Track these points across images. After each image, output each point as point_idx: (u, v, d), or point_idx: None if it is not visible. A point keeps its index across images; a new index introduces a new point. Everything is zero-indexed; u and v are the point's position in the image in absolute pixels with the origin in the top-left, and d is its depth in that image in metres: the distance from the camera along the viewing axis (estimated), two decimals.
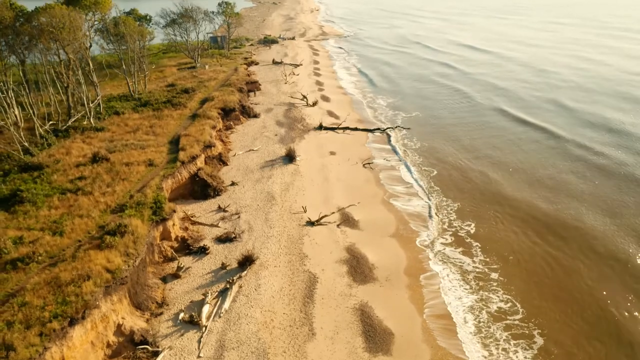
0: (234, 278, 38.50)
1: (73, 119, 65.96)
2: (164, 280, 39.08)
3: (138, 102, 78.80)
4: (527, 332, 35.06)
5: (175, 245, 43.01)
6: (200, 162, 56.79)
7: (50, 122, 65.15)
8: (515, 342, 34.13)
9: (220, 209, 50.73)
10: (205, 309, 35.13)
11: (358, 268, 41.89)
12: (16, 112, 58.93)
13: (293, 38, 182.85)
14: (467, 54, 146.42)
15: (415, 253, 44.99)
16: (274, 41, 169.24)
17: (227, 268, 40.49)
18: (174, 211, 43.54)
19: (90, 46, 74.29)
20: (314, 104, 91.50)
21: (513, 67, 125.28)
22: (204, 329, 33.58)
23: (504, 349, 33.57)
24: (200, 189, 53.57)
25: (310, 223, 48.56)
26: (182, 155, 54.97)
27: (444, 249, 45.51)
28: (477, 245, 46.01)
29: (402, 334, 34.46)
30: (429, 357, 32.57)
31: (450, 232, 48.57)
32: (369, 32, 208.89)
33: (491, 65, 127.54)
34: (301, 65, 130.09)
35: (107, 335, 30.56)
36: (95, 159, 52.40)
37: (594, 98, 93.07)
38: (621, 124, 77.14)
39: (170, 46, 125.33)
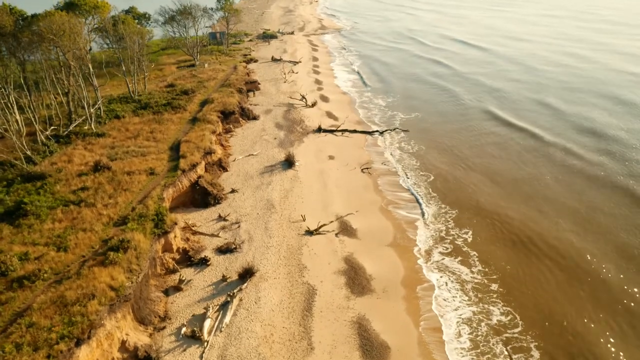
0: (235, 291, 39.40)
1: (74, 124, 66.49)
2: (166, 293, 39.99)
3: (138, 105, 79.33)
4: (525, 345, 36.00)
5: (177, 256, 43.87)
6: (200, 169, 57.52)
7: (52, 127, 65.75)
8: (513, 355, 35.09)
9: (220, 217, 51.54)
10: (207, 324, 36.05)
11: (356, 279, 42.79)
12: (17, 117, 59.52)
13: (292, 33, 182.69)
14: (461, 51, 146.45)
15: (412, 263, 45.89)
16: (272, 36, 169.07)
17: (228, 280, 41.39)
18: (175, 223, 44.34)
19: (90, 50, 74.58)
20: (313, 104, 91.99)
21: (507, 66, 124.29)
22: (205, 344, 34.53)
23: None
24: (200, 197, 54.34)
25: (309, 232, 49.40)
26: (182, 163, 55.68)
27: (441, 259, 46.40)
28: (474, 255, 46.86)
29: (399, 348, 35.43)
30: None
31: (448, 241, 49.46)
32: (366, 25, 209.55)
33: (485, 64, 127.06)
34: (300, 62, 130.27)
35: (111, 352, 31.49)
36: (97, 167, 53.12)
37: (592, 100, 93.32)
38: (621, 131, 77.53)
39: (169, 42, 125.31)
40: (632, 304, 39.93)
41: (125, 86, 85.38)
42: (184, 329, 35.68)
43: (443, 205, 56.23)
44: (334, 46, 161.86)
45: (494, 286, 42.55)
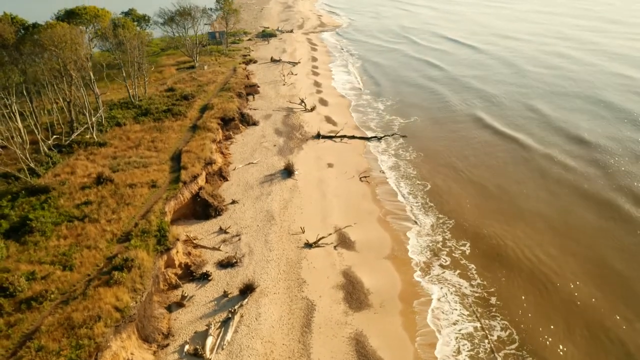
0: (236, 307, 40.48)
1: (76, 133, 67.31)
2: (169, 309, 41.07)
3: (139, 111, 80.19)
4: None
5: (179, 272, 44.94)
6: (201, 180, 58.49)
7: (54, 136, 66.60)
8: None
9: (221, 230, 52.57)
10: (209, 341, 37.16)
11: (354, 294, 43.88)
12: (20, 126, 60.31)
13: (291, 31, 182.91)
14: (454, 51, 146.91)
15: (409, 276, 46.94)
16: (272, 35, 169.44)
17: (229, 296, 42.48)
18: (178, 239, 45.36)
19: (91, 57, 75.18)
20: (312, 109, 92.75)
21: (500, 68, 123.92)
22: None
23: None
24: (202, 209, 55.33)
25: (308, 245, 50.44)
26: (183, 175, 56.65)
27: (438, 272, 47.41)
28: (472, 268, 47.89)
29: None
30: None
31: (445, 252, 50.46)
32: (363, 22, 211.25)
33: (478, 66, 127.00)
34: (299, 63, 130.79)
35: None
36: (100, 180, 54.05)
37: (588, 108, 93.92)
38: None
39: (169, 42, 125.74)
40: (623, 325, 41.07)
41: (126, 90, 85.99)
42: (186, 347, 36.79)
43: (440, 216, 57.22)
44: (333, 45, 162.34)
45: (493, 300, 43.65)
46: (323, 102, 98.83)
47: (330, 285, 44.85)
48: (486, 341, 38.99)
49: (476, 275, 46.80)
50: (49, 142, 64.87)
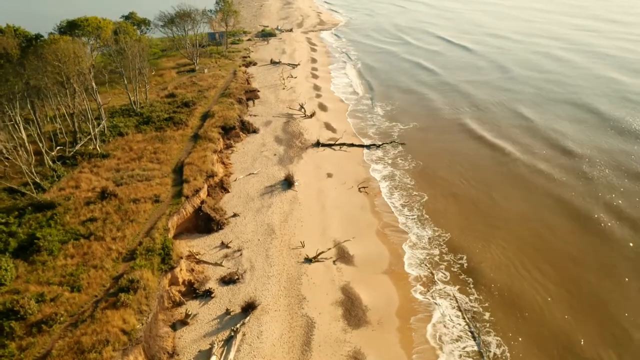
0: (238, 326, 41.84)
1: (79, 144, 68.32)
2: (174, 327, 42.43)
3: (140, 119, 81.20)
4: None
5: (183, 289, 46.26)
6: (203, 193, 59.68)
7: (58, 147, 67.57)
8: None
9: (223, 245, 53.85)
10: None
11: (352, 310, 45.26)
12: (24, 136, 61.27)
13: (291, 30, 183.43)
14: (447, 52, 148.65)
15: (407, 292, 48.31)
16: (271, 35, 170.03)
17: (232, 314, 43.84)
18: (181, 257, 46.64)
19: (94, 67, 76.04)
20: (312, 115, 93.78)
21: (492, 73, 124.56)
22: None
23: None
24: (204, 223, 56.57)
25: (308, 260, 51.77)
26: (186, 189, 57.84)
27: (435, 288, 48.74)
28: (470, 281, 49.25)
29: None
30: None
31: (443, 266, 51.78)
32: (359, 20, 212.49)
33: (472, 70, 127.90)
34: (299, 65, 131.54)
35: None
36: (104, 195, 55.29)
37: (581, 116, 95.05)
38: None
39: (169, 42, 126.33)
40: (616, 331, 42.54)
41: (127, 95, 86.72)
42: None
43: (437, 228, 58.49)
44: (332, 45, 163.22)
45: (487, 315, 45.06)
46: (322, 108, 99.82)
47: (329, 302, 46.20)
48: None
49: (473, 289, 48.11)
50: (53, 153, 65.90)
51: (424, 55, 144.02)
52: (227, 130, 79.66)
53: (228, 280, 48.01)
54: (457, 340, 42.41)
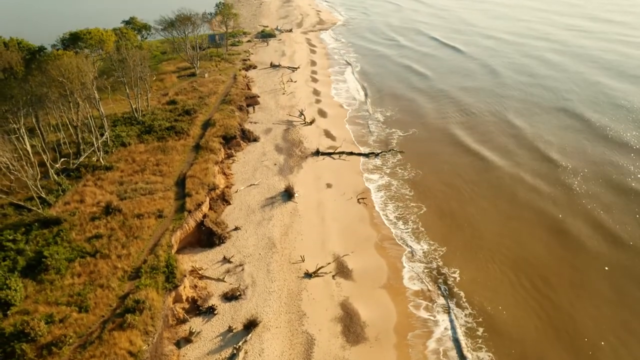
0: (240, 344, 43.27)
1: (83, 156, 69.48)
2: (178, 345, 43.83)
3: (142, 127, 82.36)
4: None
5: (186, 306, 47.67)
6: (205, 207, 61.00)
7: (62, 159, 68.76)
8: None
9: (225, 259, 55.22)
10: None
11: (351, 327, 46.70)
12: (28, 147, 62.54)
13: (290, 30, 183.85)
14: (441, 55, 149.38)
15: (404, 307, 49.74)
16: (271, 35, 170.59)
17: (234, 331, 45.25)
18: (185, 276, 48.01)
19: (96, 78, 76.92)
20: (312, 122, 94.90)
21: (485, 78, 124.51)
22: None
23: None
24: (206, 237, 57.93)
25: (308, 275, 53.17)
26: (188, 203, 59.16)
27: (430, 302, 50.16)
28: (462, 296, 50.64)
29: None
30: None
31: (439, 281, 53.13)
32: (359, 19, 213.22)
33: (465, 75, 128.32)
34: (299, 68, 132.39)
35: None
36: (109, 210, 56.65)
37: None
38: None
39: (170, 43, 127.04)
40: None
41: (128, 102, 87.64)
42: None
43: (432, 242, 59.78)
44: (331, 46, 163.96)
45: (480, 330, 46.52)
46: (322, 114, 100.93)
47: (328, 318, 47.63)
48: None
49: (466, 304, 49.51)
50: (57, 165, 67.12)
51: (420, 59, 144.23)
52: (228, 140, 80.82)
53: (230, 297, 49.39)
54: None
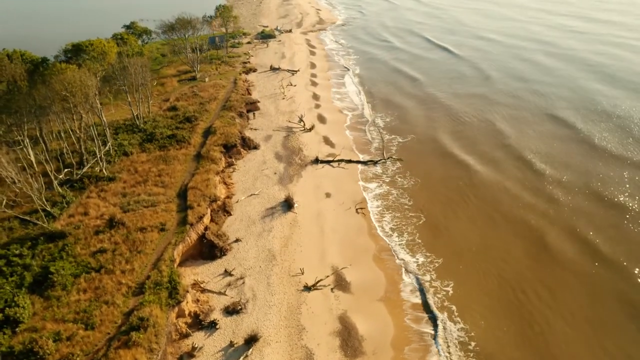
0: (241, 359, 44.63)
1: (87, 167, 70.63)
2: None
3: (144, 135, 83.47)
4: None
5: (189, 320, 49.02)
6: (206, 219, 62.25)
7: (66, 170, 69.89)
8: None
9: (226, 272, 56.54)
10: None
11: (349, 341, 48.06)
12: (32, 158, 63.81)
13: (290, 31, 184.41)
14: (433, 56, 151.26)
15: (401, 320, 51.12)
16: (270, 36, 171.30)
17: (235, 345, 46.60)
18: (187, 291, 49.35)
19: (99, 90, 77.98)
20: (311, 128, 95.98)
21: (479, 84, 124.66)
22: None
23: None
24: (208, 249, 59.22)
25: (307, 288, 54.49)
26: (190, 216, 60.42)
27: (425, 316, 51.49)
28: (454, 310, 51.99)
29: None
30: None
31: (434, 294, 54.44)
32: (357, 18, 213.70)
33: (460, 77, 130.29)
34: (298, 71, 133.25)
35: None
36: (112, 223, 57.92)
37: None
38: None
39: (170, 44, 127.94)
40: None
41: (130, 109, 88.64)
42: None
43: (428, 254, 61.02)
44: (330, 47, 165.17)
45: (472, 344, 47.89)
46: (321, 119, 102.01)
47: (327, 332, 48.99)
48: None
49: (458, 318, 50.85)
50: (61, 176, 68.28)
51: (416, 62, 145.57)
52: (228, 148, 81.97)
53: (232, 311, 50.73)
54: None
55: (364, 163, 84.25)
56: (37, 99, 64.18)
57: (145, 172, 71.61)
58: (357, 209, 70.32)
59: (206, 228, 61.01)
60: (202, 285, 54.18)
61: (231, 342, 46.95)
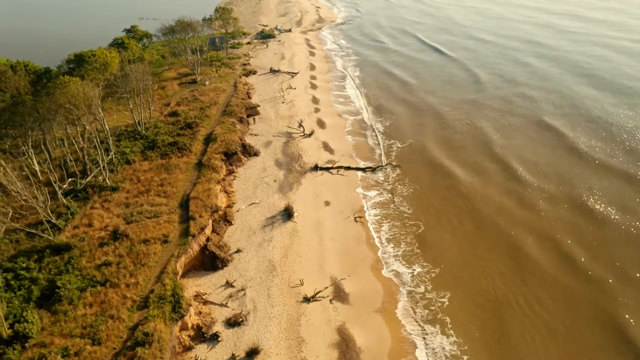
0: None
1: (90, 176, 71.89)
2: None
3: (145, 142, 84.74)
4: None
5: (192, 333, 50.56)
6: (208, 230, 63.71)
7: (70, 179, 71.21)
8: None
9: (228, 283, 58.01)
10: None
11: (347, 353, 49.60)
12: (36, 168, 64.99)
13: (289, 30, 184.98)
14: (427, 58, 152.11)
15: (397, 332, 52.69)
16: (270, 36, 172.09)
17: (237, 358, 48.15)
18: (190, 305, 50.87)
19: (102, 99, 79.14)
20: (311, 134, 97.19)
21: (471, 88, 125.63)
22: None
23: None
24: (209, 261, 60.67)
25: (307, 299, 56.00)
26: (192, 227, 61.90)
27: (420, 327, 53.04)
28: (448, 322, 53.50)
29: None
30: None
31: (424, 304, 55.93)
32: (357, 18, 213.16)
33: (453, 80, 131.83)
34: (298, 73, 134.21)
35: None
36: (116, 235, 59.37)
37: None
38: None
39: (170, 51, 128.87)
40: None
41: (131, 115, 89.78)
42: None
43: (425, 264, 62.51)
44: (330, 47, 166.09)
45: (465, 358, 49.50)
46: (321, 124, 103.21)
47: (326, 344, 50.54)
48: None
49: (452, 332, 52.35)
50: (65, 185, 69.65)
51: (416, 64, 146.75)
52: (229, 156, 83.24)
53: (233, 323, 52.24)
54: None
55: (363, 170, 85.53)
56: (41, 111, 65.40)
57: (148, 181, 72.94)
58: (355, 218, 71.71)
59: (208, 239, 62.43)
60: (204, 297, 55.69)
61: (233, 354, 48.49)
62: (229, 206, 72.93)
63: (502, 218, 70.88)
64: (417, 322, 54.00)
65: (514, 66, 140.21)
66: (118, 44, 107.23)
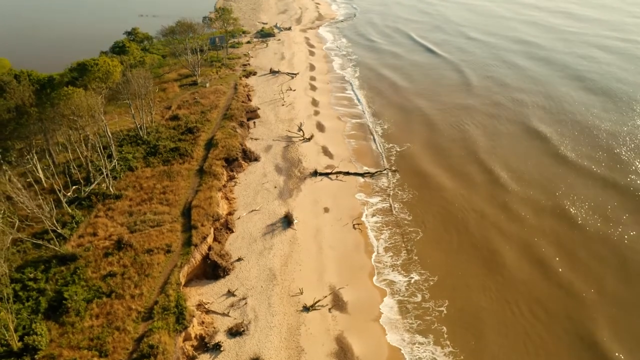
0: None
1: (94, 184, 73.24)
2: None
3: (147, 148, 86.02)
4: None
5: (195, 343, 52.20)
6: (210, 239, 65.24)
7: (74, 187, 72.57)
8: None
9: (229, 292, 59.59)
10: None
11: None
12: (41, 175, 66.24)
13: (289, 28, 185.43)
14: (422, 60, 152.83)
15: (395, 341, 54.32)
16: (270, 34, 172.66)
17: None
18: (193, 316, 52.48)
19: (104, 105, 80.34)
20: (310, 138, 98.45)
21: (467, 90, 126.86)
22: None
23: None
24: (211, 269, 62.22)
25: (306, 309, 57.63)
26: (194, 236, 63.44)
27: (416, 337, 54.71)
28: (444, 332, 55.16)
29: None
30: None
31: (421, 313, 57.61)
32: (359, 16, 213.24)
33: (448, 82, 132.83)
34: (298, 74, 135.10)
35: None
36: (120, 245, 60.89)
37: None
38: None
39: (170, 52, 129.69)
40: None
41: (133, 120, 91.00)
42: None
43: (423, 271, 64.13)
44: (330, 46, 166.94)
45: None
46: (320, 128, 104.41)
47: (325, 354, 52.21)
48: None
49: (448, 343, 54.00)
50: (69, 194, 71.04)
51: (418, 64, 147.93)
52: (230, 162, 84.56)
53: (235, 332, 53.87)
54: None
55: (362, 175, 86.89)
56: (45, 122, 66.67)
57: (150, 188, 74.32)
58: (354, 225, 73.20)
59: (210, 248, 63.98)
60: (206, 306, 57.30)
61: None
62: (230, 213, 74.36)
63: (503, 224, 72.74)
64: (408, 332, 55.51)
65: (512, 67, 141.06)
66: (119, 48, 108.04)
